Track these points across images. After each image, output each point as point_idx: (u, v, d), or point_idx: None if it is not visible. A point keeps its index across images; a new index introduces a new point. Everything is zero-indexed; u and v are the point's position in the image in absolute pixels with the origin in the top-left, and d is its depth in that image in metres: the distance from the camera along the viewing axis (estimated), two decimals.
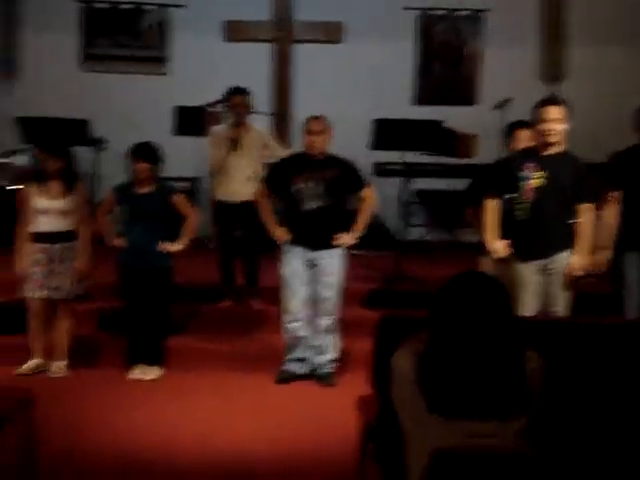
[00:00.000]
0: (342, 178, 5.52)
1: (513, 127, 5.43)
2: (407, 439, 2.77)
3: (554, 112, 4.89)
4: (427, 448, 2.62)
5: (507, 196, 5.05)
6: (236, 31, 9.10)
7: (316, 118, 5.55)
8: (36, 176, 5.66)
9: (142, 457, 4.35)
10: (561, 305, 5.01)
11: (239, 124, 6.40)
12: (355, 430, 3.52)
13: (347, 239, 5.56)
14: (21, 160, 8.21)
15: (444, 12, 9.20)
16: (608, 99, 8.59)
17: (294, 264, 5.53)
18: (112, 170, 7.07)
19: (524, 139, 5.26)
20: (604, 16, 8.92)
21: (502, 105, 8.16)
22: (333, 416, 4.90)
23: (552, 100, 5.03)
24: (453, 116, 7.90)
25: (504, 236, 5.06)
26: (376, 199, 5.75)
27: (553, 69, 9.19)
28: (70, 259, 5.62)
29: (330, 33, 9.13)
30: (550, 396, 2.87)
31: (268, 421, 4.91)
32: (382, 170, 8.18)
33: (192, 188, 8.37)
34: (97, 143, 8.26)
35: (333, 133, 5.58)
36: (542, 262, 4.95)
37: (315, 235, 5.50)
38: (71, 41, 9.10)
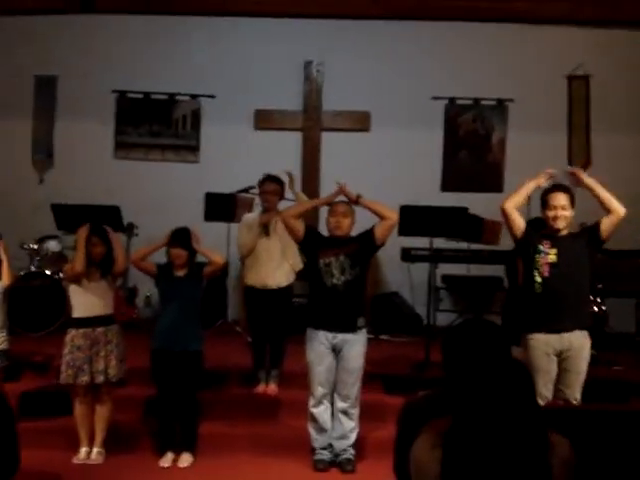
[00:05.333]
0: (362, 245, 5.60)
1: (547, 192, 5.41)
2: None
3: (561, 199, 5.05)
4: None
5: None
6: (266, 120, 9.30)
7: (342, 201, 5.66)
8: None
9: None
10: (577, 392, 5.09)
11: (270, 210, 6.54)
12: None
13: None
14: (54, 246, 8.38)
15: (470, 102, 9.36)
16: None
17: (318, 348, 5.57)
18: None
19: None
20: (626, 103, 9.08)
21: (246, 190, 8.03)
22: None
23: (559, 187, 5.17)
24: (479, 203, 7.98)
25: (523, 309, 5.23)
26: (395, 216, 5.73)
27: (579, 156, 9.32)
28: (112, 342, 5.70)
29: (358, 122, 9.32)
30: None
31: None
32: (409, 255, 8.25)
33: (223, 273, 8.47)
34: (129, 229, 8.43)
35: (357, 219, 5.70)
36: (558, 341, 5.05)
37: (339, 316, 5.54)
38: (106, 130, 9.34)
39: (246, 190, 7.78)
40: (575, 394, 5.14)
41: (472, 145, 9.41)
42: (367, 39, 9.18)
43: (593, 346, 5.29)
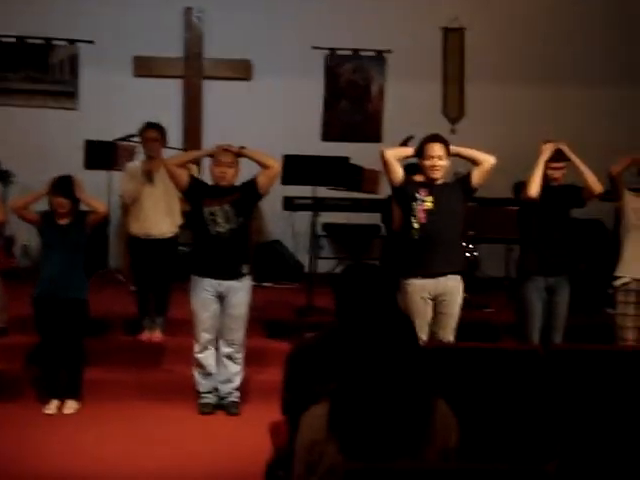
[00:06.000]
0: (245, 194, 5.70)
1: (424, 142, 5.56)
2: None
3: (437, 149, 5.29)
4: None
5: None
6: (146, 67, 9.20)
7: (226, 150, 5.72)
8: None
9: None
10: (450, 334, 5.37)
11: (153, 158, 6.53)
12: (265, 457, 3.63)
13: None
14: None
15: (350, 52, 9.50)
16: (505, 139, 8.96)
17: (203, 295, 5.67)
18: None
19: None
20: (503, 56, 9.38)
21: (406, 142, 8.42)
22: (244, 444, 5.06)
23: (436, 137, 5.40)
24: (359, 152, 8.13)
25: (400, 255, 5.47)
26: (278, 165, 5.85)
27: (453, 107, 9.60)
28: None
29: (240, 70, 9.32)
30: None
31: (181, 451, 5.04)
32: (292, 204, 8.38)
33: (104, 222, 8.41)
34: (4, 177, 8.26)
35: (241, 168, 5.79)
36: (434, 285, 5.30)
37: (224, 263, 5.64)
38: None
39: (126, 139, 7.73)
40: (449, 336, 5.42)
41: (352, 96, 9.55)
42: None
43: (466, 290, 5.60)
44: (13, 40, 9.05)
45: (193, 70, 9.27)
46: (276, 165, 5.77)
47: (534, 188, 5.57)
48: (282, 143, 7.78)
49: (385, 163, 5.43)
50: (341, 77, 9.54)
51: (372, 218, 8.27)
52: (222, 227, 5.60)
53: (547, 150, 5.63)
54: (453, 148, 5.46)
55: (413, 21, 9.39)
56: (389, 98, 9.55)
